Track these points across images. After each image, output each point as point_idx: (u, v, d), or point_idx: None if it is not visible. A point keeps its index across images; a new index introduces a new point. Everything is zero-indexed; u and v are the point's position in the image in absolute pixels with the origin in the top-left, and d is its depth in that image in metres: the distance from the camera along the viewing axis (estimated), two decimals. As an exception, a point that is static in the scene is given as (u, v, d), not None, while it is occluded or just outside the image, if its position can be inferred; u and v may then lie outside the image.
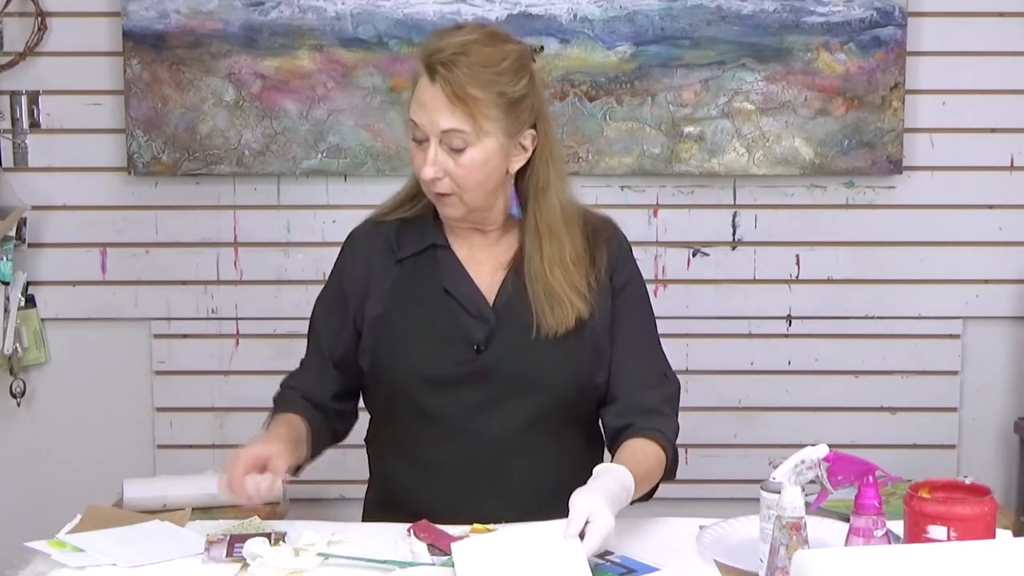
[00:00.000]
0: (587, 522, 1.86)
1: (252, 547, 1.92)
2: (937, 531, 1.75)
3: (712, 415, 3.37)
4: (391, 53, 3.24)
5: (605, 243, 2.19)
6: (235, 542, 1.99)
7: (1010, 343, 3.40)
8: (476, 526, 2.01)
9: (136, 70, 3.24)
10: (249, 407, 3.36)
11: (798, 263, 3.35)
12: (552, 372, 2.13)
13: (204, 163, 3.28)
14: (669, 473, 2.17)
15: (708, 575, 1.91)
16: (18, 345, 3.30)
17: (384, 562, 1.92)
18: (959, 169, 3.32)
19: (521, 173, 2.13)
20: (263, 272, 3.35)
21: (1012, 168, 3.33)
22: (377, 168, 3.27)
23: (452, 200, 2.08)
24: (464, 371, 2.11)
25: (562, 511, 2.12)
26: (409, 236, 2.19)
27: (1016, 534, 2.42)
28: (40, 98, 3.31)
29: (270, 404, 3.39)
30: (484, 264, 2.17)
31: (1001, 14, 3.28)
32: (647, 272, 3.22)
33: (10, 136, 3.31)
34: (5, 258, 3.24)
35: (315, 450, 2.19)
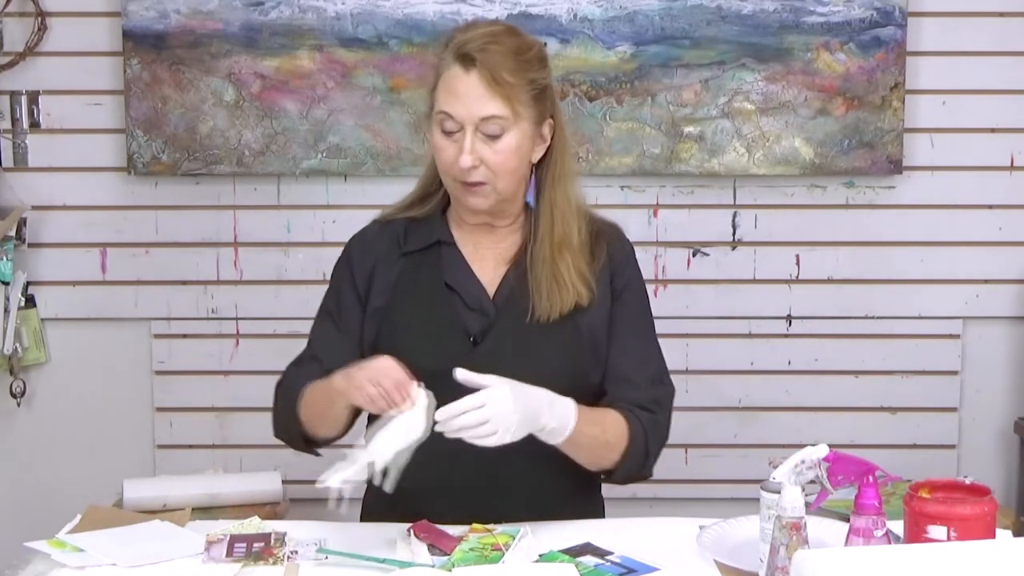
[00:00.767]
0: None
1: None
2: (937, 531, 1.75)
3: (712, 415, 3.37)
4: (391, 53, 3.24)
5: (607, 244, 2.21)
6: (235, 542, 2.00)
7: (1010, 343, 3.40)
8: (475, 525, 2.01)
9: (136, 70, 3.24)
10: (249, 407, 3.36)
11: (798, 263, 3.35)
12: (546, 363, 2.13)
13: (204, 163, 3.28)
14: (636, 457, 2.14)
15: (708, 575, 1.91)
16: (18, 345, 3.30)
17: (384, 562, 1.92)
18: (959, 169, 3.33)
19: (537, 163, 2.17)
20: (263, 272, 3.35)
21: (1012, 168, 3.33)
22: (377, 168, 3.27)
23: (484, 190, 2.11)
24: (460, 364, 2.12)
25: (560, 510, 2.13)
26: (416, 233, 2.22)
27: (1016, 534, 2.42)
28: (40, 98, 3.31)
29: (270, 404, 3.40)
30: (488, 260, 2.20)
31: (1001, 14, 3.28)
32: (647, 272, 3.21)
33: (10, 136, 3.31)
34: (5, 258, 3.24)
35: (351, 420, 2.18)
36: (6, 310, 3.25)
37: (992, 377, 3.41)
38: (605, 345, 2.18)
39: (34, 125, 3.32)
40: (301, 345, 3.35)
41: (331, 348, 2.21)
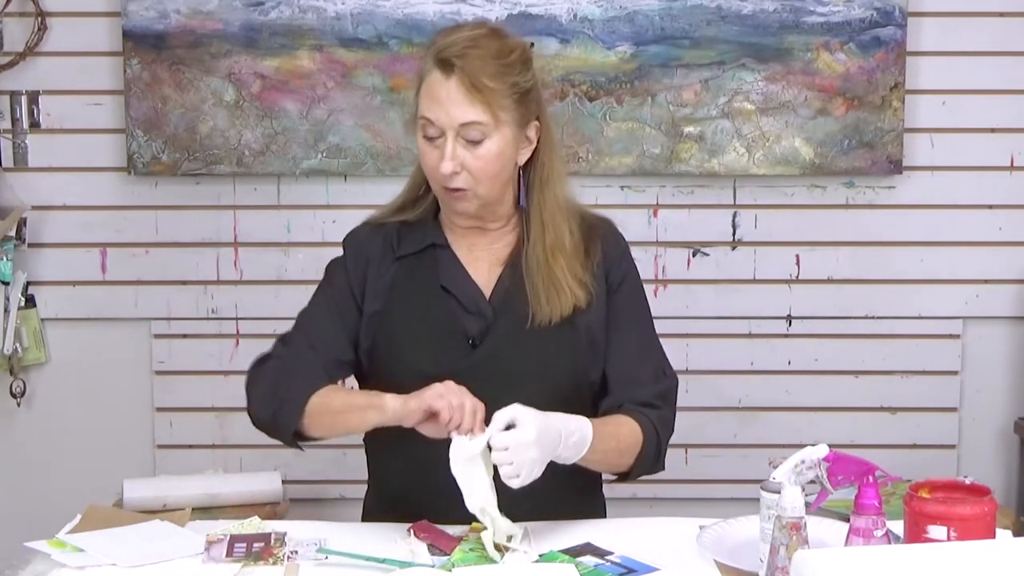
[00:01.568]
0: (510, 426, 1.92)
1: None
2: (937, 531, 1.75)
3: (712, 415, 3.37)
4: (391, 53, 3.24)
5: (600, 239, 2.21)
6: (235, 542, 2.00)
7: (1010, 343, 3.40)
8: (475, 525, 2.01)
9: (136, 70, 3.24)
10: (249, 407, 3.36)
11: (798, 263, 3.35)
12: (545, 364, 2.13)
13: (204, 163, 3.28)
14: (649, 458, 2.15)
15: (708, 575, 1.91)
16: (18, 345, 3.30)
17: (384, 561, 1.92)
18: (959, 169, 3.33)
19: (524, 165, 2.16)
20: (263, 272, 3.35)
21: (1012, 168, 3.33)
22: (377, 168, 3.27)
23: (467, 195, 2.10)
24: (459, 367, 2.12)
25: (561, 510, 2.13)
26: (409, 236, 2.21)
27: (1016, 534, 2.42)
28: (40, 98, 3.31)
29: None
30: (482, 261, 2.19)
31: (1001, 14, 3.28)
32: (647, 272, 3.22)
33: (10, 136, 3.31)
34: (5, 258, 3.24)
35: None
36: (6, 310, 3.25)
37: (992, 377, 3.41)
38: (603, 342, 2.18)
39: (34, 125, 3.32)
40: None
41: (326, 337, 2.17)
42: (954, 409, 3.40)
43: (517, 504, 2.06)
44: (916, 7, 3.24)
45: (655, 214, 3.34)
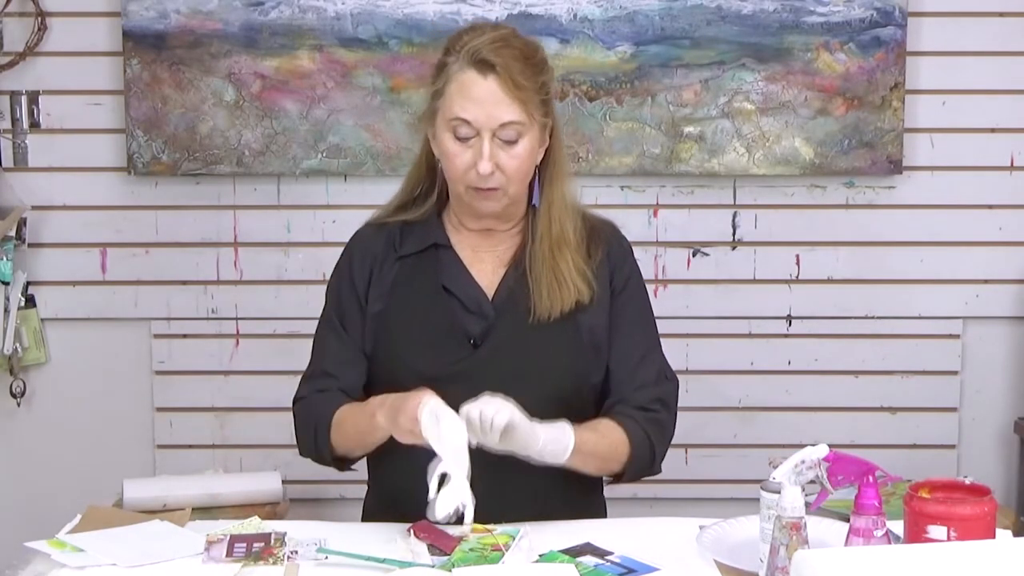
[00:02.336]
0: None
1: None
2: (937, 531, 1.75)
3: (712, 415, 3.37)
4: (391, 53, 3.24)
5: (604, 242, 2.21)
6: (235, 542, 2.00)
7: (1010, 343, 3.40)
8: (475, 525, 2.01)
9: (136, 70, 3.24)
10: (249, 407, 3.37)
11: (798, 263, 3.35)
12: (547, 364, 2.14)
13: (204, 163, 3.28)
14: (640, 463, 2.15)
15: (708, 575, 1.91)
16: (18, 345, 3.30)
17: (384, 561, 1.92)
18: (959, 169, 3.32)
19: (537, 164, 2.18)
20: (263, 272, 3.35)
21: (1012, 168, 3.33)
22: (377, 168, 3.27)
23: (497, 194, 2.11)
24: (460, 368, 2.12)
25: (562, 510, 2.13)
26: (411, 235, 2.21)
27: (1016, 534, 2.42)
28: (40, 98, 3.31)
29: (270, 404, 3.41)
30: (486, 263, 2.20)
31: (1001, 14, 3.28)
32: (647, 272, 3.21)
33: (10, 136, 3.31)
34: (5, 258, 3.24)
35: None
36: (6, 310, 3.25)
37: (992, 377, 3.41)
38: (606, 344, 2.18)
39: (34, 125, 3.32)
40: (301, 345, 3.34)
41: (341, 361, 2.20)
42: (954, 409, 3.40)
43: (518, 504, 2.06)
44: (916, 7, 3.24)
45: (655, 214, 3.34)
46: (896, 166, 3.28)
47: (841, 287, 3.36)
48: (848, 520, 1.81)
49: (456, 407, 2.01)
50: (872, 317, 3.36)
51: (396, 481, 2.19)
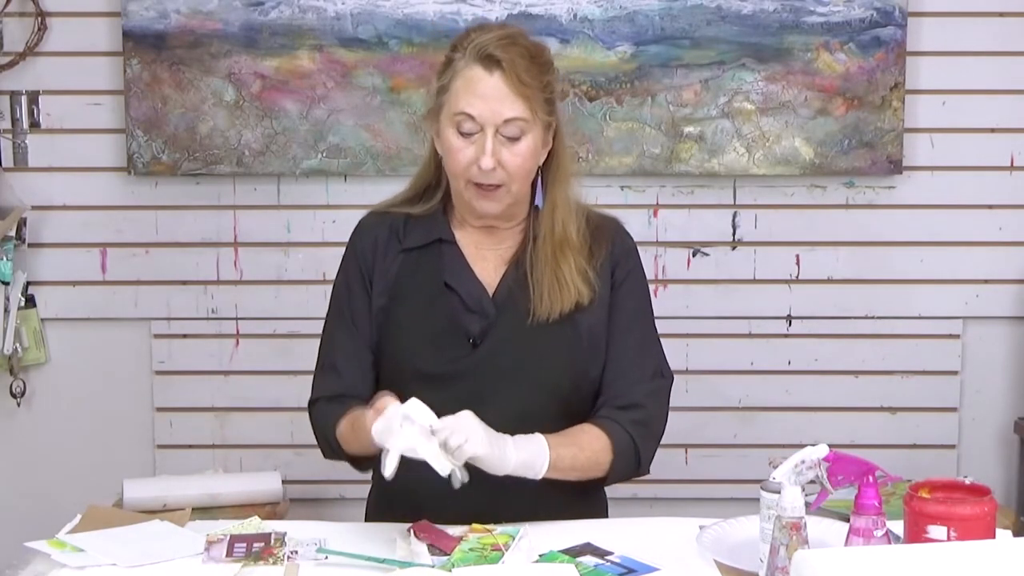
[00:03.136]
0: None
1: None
2: (937, 531, 1.75)
3: (712, 415, 3.37)
4: (391, 53, 3.24)
5: (607, 240, 2.21)
6: (235, 542, 2.00)
7: (1010, 343, 3.40)
8: (475, 525, 2.01)
9: (136, 70, 3.24)
10: (249, 407, 3.37)
11: (798, 263, 3.35)
12: (545, 363, 2.14)
13: (204, 163, 3.28)
14: (625, 466, 2.15)
15: (708, 575, 1.91)
16: (18, 345, 3.30)
17: (384, 562, 1.92)
18: (959, 169, 3.32)
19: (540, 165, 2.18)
20: (263, 272, 3.35)
21: (1012, 168, 3.33)
22: (377, 168, 3.27)
23: (499, 192, 2.11)
24: (459, 367, 2.12)
25: (562, 510, 2.13)
26: (416, 229, 2.21)
27: (1016, 534, 2.42)
28: (40, 98, 3.31)
29: (270, 404, 3.42)
30: (489, 260, 2.20)
31: (1001, 14, 3.28)
32: (647, 272, 3.21)
33: (10, 136, 3.31)
34: (5, 258, 3.24)
35: None
36: (6, 310, 3.25)
37: (992, 377, 3.41)
38: (604, 341, 2.18)
39: (34, 125, 3.32)
40: (301, 345, 3.36)
41: (349, 354, 2.21)
42: (954, 409, 3.40)
43: (520, 504, 2.05)
44: (916, 7, 3.24)
45: (655, 214, 3.34)
46: (896, 166, 3.28)
47: (841, 287, 3.36)
48: (848, 520, 1.81)
49: (455, 406, 2.01)
50: (872, 317, 3.36)
51: (398, 481, 2.19)
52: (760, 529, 1.87)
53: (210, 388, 3.37)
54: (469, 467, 1.94)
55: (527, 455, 2.00)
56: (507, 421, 2.07)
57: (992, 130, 3.31)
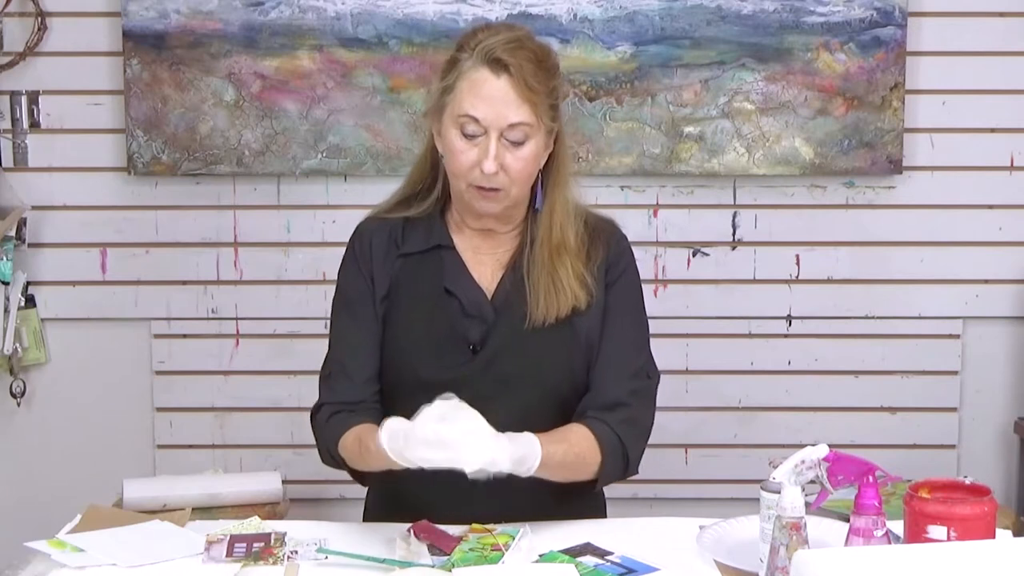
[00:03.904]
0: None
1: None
2: (937, 531, 1.75)
3: (712, 415, 3.37)
4: (391, 53, 3.24)
5: (604, 242, 2.20)
6: (235, 542, 2.00)
7: (1010, 343, 3.40)
8: (475, 526, 2.01)
9: (136, 70, 3.24)
10: (249, 407, 3.37)
11: (798, 263, 3.35)
12: (542, 367, 2.13)
13: (204, 163, 3.28)
14: (613, 468, 2.13)
15: (708, 575, 1.91)
16: (18, 345, 3.30)
17: (384, 562, 1.92)
18: (959, 169, 3.33)
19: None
20: (263, 272, 3.35)
21: (1012, 168, 3.33)
22: (377, 168, 3.27)
23: (500, 195, 2.10)
24: (460, 374, 2.12)
25: (561, 510, 2.13)
26: (414, 234, 2.20)
27: (1016, 534, 2.42)
28: (40, 98, 3.31)
29: (270, 404, 3.41)
30: (486, 265, 2.19)
31: (1001, 14, 3.28)
32: (647, 272, 3.22)
33: (10, 136, 3.31)
34: (5, 258, 3.24)
35: None
36: (6, 310, 3.25)
37: (992, 377, 3.41)
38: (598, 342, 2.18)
39: (34, 125, 3.32)
40: (301, 345, 3.36)
41: (357, 356, 2.19)
42: (954, 409, 3.40)
43: (519, 504, 2.05)
44: (916, 7, 3.24)
45: (655, 214, 3.34)
46: (896, 166, 3.28)
47: (841, 287, 3.36)
48: (848, 520, 1.81)
49: None
50: (872, 317, 3.36)
51: (394, 480, 2.19)
52: (760, 529, 1.87)
53: (210, 388, 3.37)
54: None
55: (519, 449, 1.98)
56: (508, 425, 2.06)
57: (992, 130, 3.31)
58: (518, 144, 2.07)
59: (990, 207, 3.34)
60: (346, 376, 2.19)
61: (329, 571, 1.93)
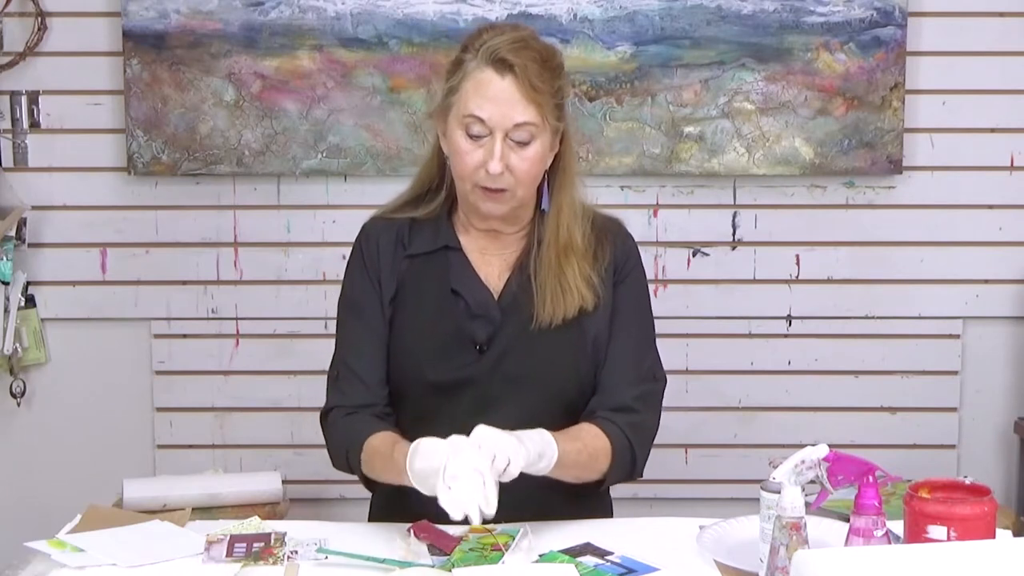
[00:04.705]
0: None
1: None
2: (937, 531, 1.75)
3: (712, 415, 3.37)
4: (391, 53, 3.24)
5: (611, 243, 2.21)
6: (235, 542, 2.00)
7: (1010, 343, 3.40)
8: (475, 525, 2.01)
9: (136, 70, 3.24)
10: (249, 407, 3.37)
11: (798, 263, 3.35)
12: (550, 368, 2.13)
13: (204, 163, 3.28)
14: (621, 468, 2.14)
15: (708, 575, 1.91)
16: (18, 345, 3.30)
17: (384, 561, 1.92)
18: (959, 169, 3.33)
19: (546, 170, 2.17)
20: (263, 272, 3.35)
21: (1012, 168, 3.33)
22: (377, 168, 3.27)
23: (505, 196, 2.10)
24: (466, 374, 2.12)
25: (567, 511, 2.13)
26: (421, 235, 2.20)
27: (1016, 534, 2.42)
28: (40, 98, 3.31)
29: (270, 404, 3.41)
30: (493, 266, 2.20)
31: (1001, 14, 3.28)
32: (647, 272, 3.21)
33: (10, 136, 3.31)
34: (5, 258, 3.24)
35: None
36: (6, 310, 3.25)
37: (992, 377, 3.41)
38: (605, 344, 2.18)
39: (34, 125, 3.32)
40: (301, 345, 3.36)
41: (365, 358, 2.18)
42: (954, 409, 3.40)
43: (522, 506, 2.05)
44: (916, 7, 3.24)
45: (655, 214, 3.34)
46: (896, 166, 3.28)
47: (841, 287, 3.36)
48: (848, 520, 1.81)
49: (463, 412, 2.02)
50: (872, 317, 3.36)
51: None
52: (760, 529, 1.87)
53: (210, 388, 3.37)
54: None
55: (537, 447, 1.98)
56: (515, 426, 2.06)
57: (992, 130, 3.31)
58: (523, 144, 2.07)
59: (990, 207, 3.34)
60: (355, 378, 2.18)
61: (329, 571, 1.93)
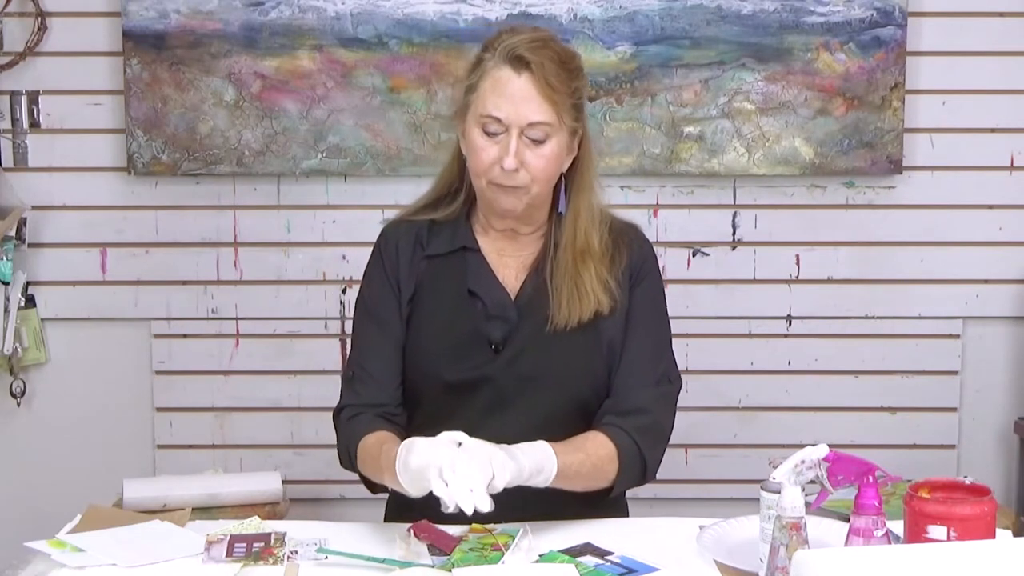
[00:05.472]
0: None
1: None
2: (937, 531, 1.75)
3: (712, 415, 3.37)
4: (391, 53, 3.24)
5: (627, 247, 2.21)
6: (235, 542, 2.00)
7: (1010, 343, 3.40)
8: (475, 525, 2.01)
9: (136, 70, 3.24)
10: (249, 407, 3.36)
11: (798, 263, 3.35)
12: (565, 369, 2.14)
13: (204, 163, 3.28)
14: (630, 475, 2.14)
15: (708, 575, 1.91)
16: (18, 345, 3.30)
17: (384, 561, 1.92)
18: (959, 169, 3.33)
19: (564, 172, 2.18)
20: (263, 272, 3.35)
21: (1012, 168, 3.33)
22: (377, 168, 3.27)
23: (519, 193, 2.10)
24: (481, 373, 2.13)
25: (563, 511, 2.12)
26: (439, 236, 2.21)
27: (1016, 534, 2.42)
28: (40, 98, 3.31)
29: (270, 404, 3.41)
30: (510, 267, 2.20)
31: (1001, 14, 3.28)
32: (647, 272, 3.21)
33: (10, 136, 3.31)
34: (5, 258, 3.24)
35: None
36: (6, 310, 3.25)
37: (992, 377, 3.41)
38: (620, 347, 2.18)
39: (34, 125, 3.32)
40: (301, 345, 3.36)
41: (380, 359, 2.19)
42: (954, 409, 3.40)
43: (529, 507, 2.04)
44: (916, 7, 3.24)
45: (655, 214, 3.34)
46: (896, 166, 3.28)
47: (841, 287, 3.36)
48: (848, 520, 1.81)
49: (478, 412, 2.03)
50: (872, 317, 3.36)
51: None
52: (760, 529, 1.87)
53: (210, 388, 3.37)
54: None
55: (536, 461, 1.98)
56: (530, 426, 2.07)
57: (992, 130, 3.31)
58: (539, 142, 2.08)
59: (990, 207, 3.34)
60: (369, 379, 2.19)
61: (329, 571, 1.93)
